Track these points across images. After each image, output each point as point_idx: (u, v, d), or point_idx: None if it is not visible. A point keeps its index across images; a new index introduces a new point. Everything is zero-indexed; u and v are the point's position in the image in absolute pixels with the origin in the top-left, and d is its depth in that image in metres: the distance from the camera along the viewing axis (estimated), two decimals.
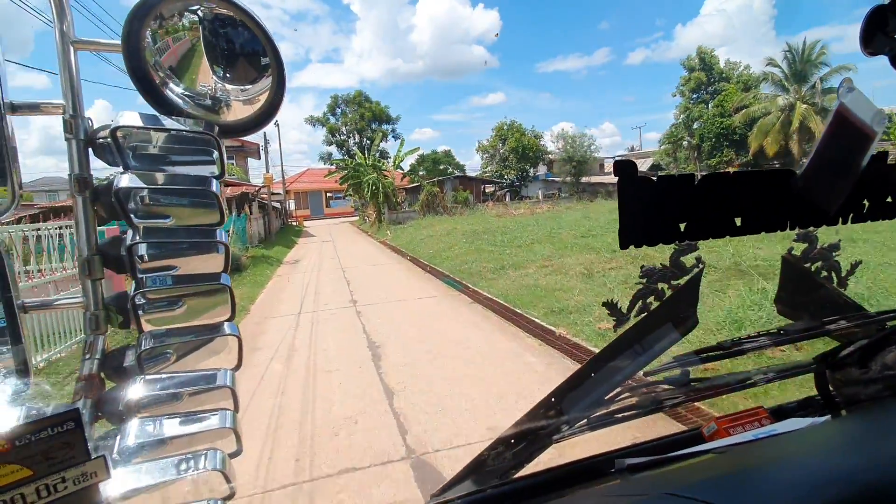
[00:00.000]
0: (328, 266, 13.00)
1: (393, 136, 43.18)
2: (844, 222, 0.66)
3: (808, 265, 0.76)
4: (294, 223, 36.11)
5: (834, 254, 0.76)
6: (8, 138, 0.70)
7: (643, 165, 38.60)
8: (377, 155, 27.96)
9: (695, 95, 35.51)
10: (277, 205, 30.15)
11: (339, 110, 43.56)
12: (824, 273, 0.77)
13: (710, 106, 33.91)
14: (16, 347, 0.67)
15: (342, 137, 42.93)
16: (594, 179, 38.64)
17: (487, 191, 36.58)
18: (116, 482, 0.58)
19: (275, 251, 17.25)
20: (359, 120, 41.92)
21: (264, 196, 26.51)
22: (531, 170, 39.57)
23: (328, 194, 45.20)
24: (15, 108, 0.71)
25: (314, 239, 23.31)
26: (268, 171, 30.19)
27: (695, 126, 34.32)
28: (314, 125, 43.95)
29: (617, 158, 0.62)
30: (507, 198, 33.39)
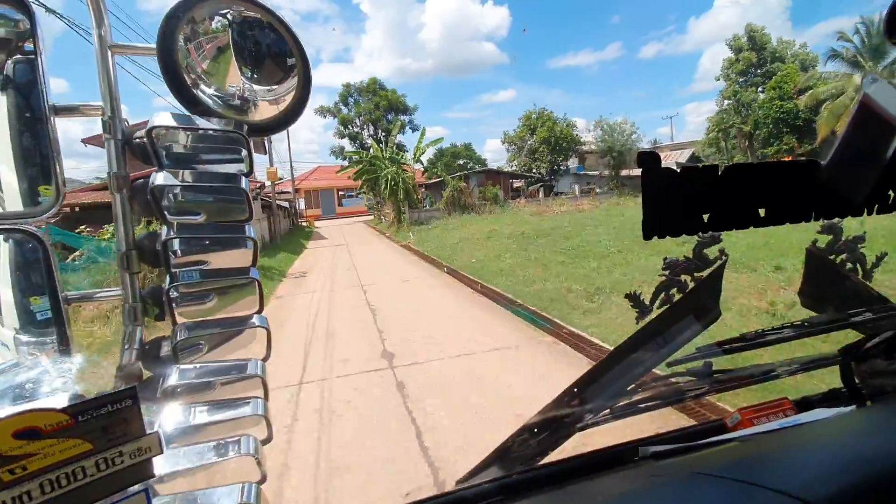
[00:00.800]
0: (343, 282, 9.77)
1: (410, 128, 38.14)
2: (870, 213, 0.65)
3: (832, 257, 0.75)
4: (304, 224, 33.99)
5: (859, 245, 0.76)
6: (52, 140, 0.73)
7: (681, 157, 33.33)
8: (394, 147, 24.49)
9: (742, 79, 30.94)
10: (285, 204, 27.76)
11: (352, 100, 39.10)
12: (849, 265, 0.77)
13: (761, 89, 29.69)
14: (61, 336, 0.70)
15: (355, 129, 38.69)
16: (634, 173, 32.42)
17: (515, 186, 33.09)
18: (157, 465, 0.61)
19: (279, 260, 14.11)
20: (373, 110, 37.51)
21: (268, 194, 23.03)
22: (563, 163, 34.99)
23: (340, 192, 42.87)
24: (57, 111, 0.75)
25: (326, 243, 20.46)
26: (271, 165, 26.24)
27: (744, 113, 29.62)
28: (324, 115, 39.08)
29: (643, 150, 0.62)
30: (541, 194, 29.18)
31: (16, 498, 0.39)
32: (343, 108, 39.32)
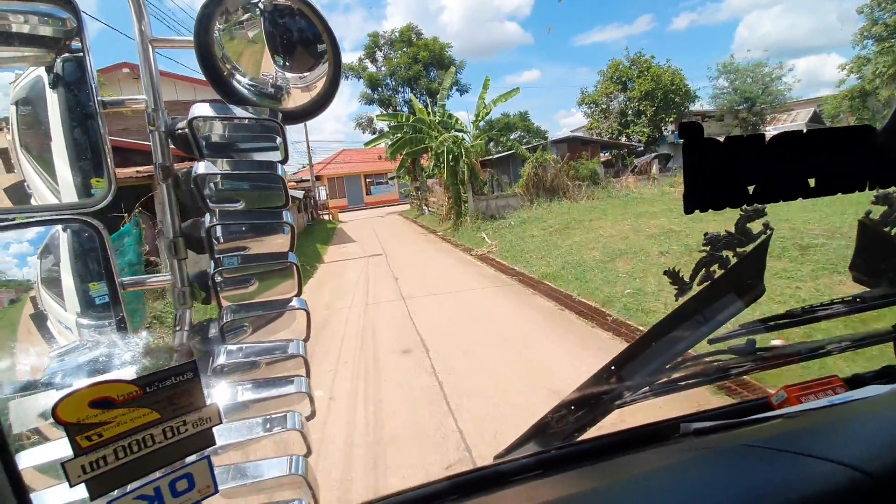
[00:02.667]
0: (415, 402, 3.54)
1: (457, 90, 28.01)
2: None
3: (888, 229, 0.72)
4: (327, 217, 27.44)
5: None
6: (102, 134, 0.77)
7: (803, 117, 24.39)
8: (444, 110, 16.83)
9: None
10: (299, 194, 19.88)
11: (382, 55, 28.80)
12: None
13: None
14: (119, 319, 0.75)
15: (386, 93, 28.39)
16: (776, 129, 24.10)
17: (603, 159, 21.50)
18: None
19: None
20: (410, 64, 27.09)
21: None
22: (665, 126, 24.85)
23: (367, 179, 36.59)
24: (105, 106, 0.78)
25: (352, 249, 13.25)
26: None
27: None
28: (346, 76, 27.79)
29: (685, 121, 0.60)
30: (654, 168, 19.99)
31: (93, 462, 0.42)
32: (370, 65, 28.73)
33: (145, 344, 0.71)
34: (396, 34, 28.42)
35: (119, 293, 0.76)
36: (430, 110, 17.24)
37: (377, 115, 22.22)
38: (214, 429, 0.68)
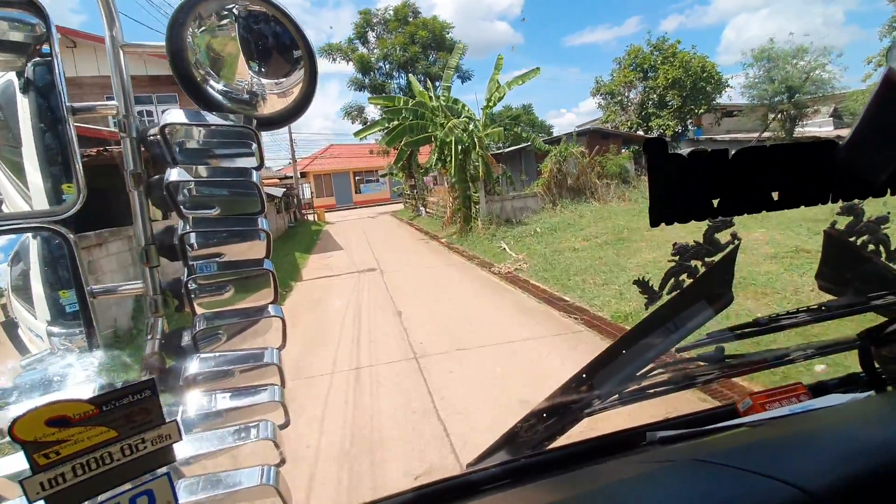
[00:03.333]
0: None
1: (458, 77, 23.44)
2: (893, 193, 0.63)
3: (853, 239, 0.73)
4: (312, 217, 24.74)
5: (882, 227, 0.73)
6: (71, 140, 0.76)
7: (825, 114, 22.53)
8: (449, 95, 14.05)
9: None
10: (277, 193, 18.40)
11: (374, 35, 25.03)
12: (871, 247, 0.74)
13: None
14: (87, 329, 0.74)
15: (380, 78, 24.49)
16: (818, 132, 22.04)
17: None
18: (179, 449, 0.64)
19: None
20: (406, 44, 23.54)
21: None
22: (694, 118, 22.25)
23: (357, 176, 33.81)
24: (75, 112, 0.77)
25: (339, 263, 10.39)
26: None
27: None
28: (332, 58, 24.41)
29: (649, 137, 0.61)
30: None
31: (51, 480, 0.42)
32: (360, 46, 24.98)
33: (114, 354, 0.71)
34: (391, 13, 24.48)
35: (88, 301, 0.75)
36: (432, 94, 13.91)
37: (369, 98, 18.44)
38: (186, 438, 0.67)
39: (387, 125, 14.20)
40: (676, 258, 0.68)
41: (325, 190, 33.20)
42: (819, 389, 0.68)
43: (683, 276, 0.68)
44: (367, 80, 24.31)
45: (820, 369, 2.50)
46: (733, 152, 0.57)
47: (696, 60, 21.95)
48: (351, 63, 24.27)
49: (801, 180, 0.59)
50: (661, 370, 0.69)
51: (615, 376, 0.68)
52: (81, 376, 0.64)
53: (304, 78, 0.84)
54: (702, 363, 0.71)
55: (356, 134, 15.12)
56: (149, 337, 0.77)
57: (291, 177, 27.26)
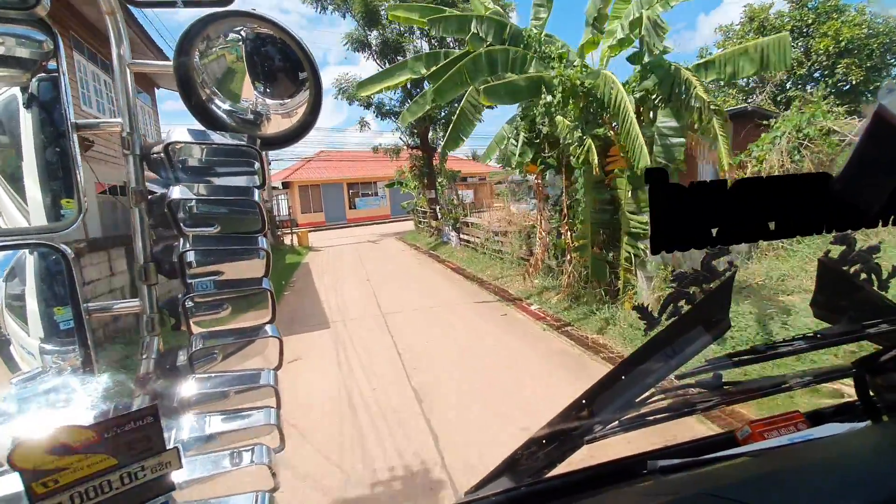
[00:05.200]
0: None
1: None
2: (885, 225, 0.65)
3: (846, 268, 0.74)
4: (291, 240, 16.57)
5: (874, 256, 0.75)
6: (73, 155, 0.76)
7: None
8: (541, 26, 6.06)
9: None
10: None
11: None
12: (864, 275, 0.76)
13: None
14: (82, 347, 0.73)
15: (391, 33, 14.18)
16: None
17: None
18: (174, 475, 0.63)
19: None
20: None
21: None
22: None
23: (351, 189, 27.16)
24: (79, 128, 0.77)
25: (319, 384, 4.00)
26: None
27: None
28: (325, 8, 14.26)
29: (650, 167, 0.62)
30: None
31: None
32: None
33: (110, 373, 0.69)
34: None
35: (84, 319, 0.74)
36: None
37: (390, 12, 7.82)
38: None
39: (426, 69, 6.69)
40: (675, 284, 0.69)
41: (313, 204, 26.57)
42: (816, 418, 0.68)
43: (682, 303, 0.69)
44: (371, 36, 14.55)
45: None
46: (732, 182, 0.58)
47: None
48: (349, 14, 14.38)
49: (796, 211, 0.61)
50: (660, 397, 0.69)
51: (615, 402, 0.68)
52: (76, 397, 0.63)
53: (308, 99, 0.85)
54: (701, 390, 0.71)
55: (359, 89, 7.47)
56: (143, 356, 0.76)
57: (275, 188, 22.55)
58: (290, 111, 0.86)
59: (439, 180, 15.54)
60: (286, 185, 25.34)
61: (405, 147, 15.90)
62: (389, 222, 25.06)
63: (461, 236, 12.35)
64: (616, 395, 0.69)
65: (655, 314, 0.71)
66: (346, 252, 13.91)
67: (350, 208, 27.63)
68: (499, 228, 9.84)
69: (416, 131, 14.95)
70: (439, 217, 14.50)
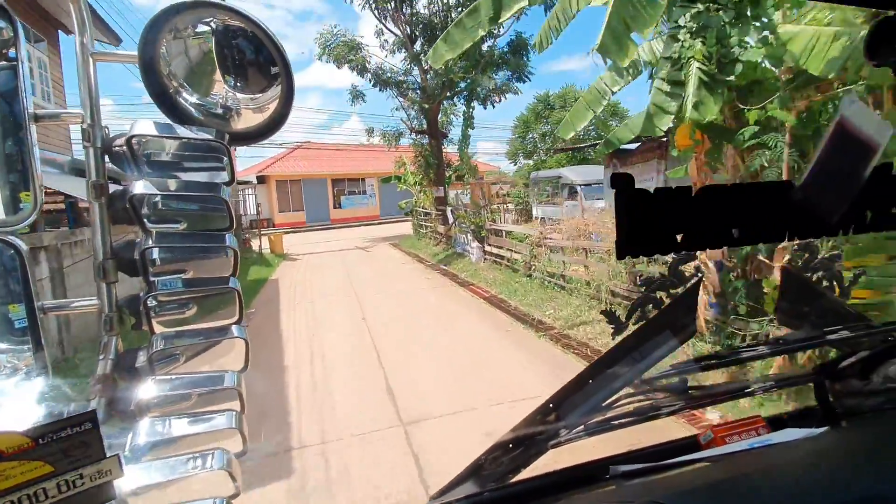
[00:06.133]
0: None
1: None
2: (846, 234, 0.66)
3: (809, 275, 0.76)
4: (261, 245, 13.62)
5: (835, 264, 0.76)
6: (31, 146, 0.73)
7: None
8: None
9: None
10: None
11: None
12: (826, 283, 0.77)
13: None
14: (36, 347, 0.70)
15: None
16: None
17: None
18: (128, 479, 0.61)
19: None
20: None
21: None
22: None
23: (336, 186, 24.20)
24: (38, 118, 0.74)
25: None
26: None
27: None
28: None
29: (616, 172, 0.63)
30: None
31: None
32: None
33: (65, 374, 0.66)
34: None
35: (38, 318, 0.71)
36: None
37: None
38: (137, 468, 0.64)
39: None
40: (643, 289, 0.69)
41: (293, 201, 23.30)
42: (777, 422, 0.70)
43: (649, 307, 0.70)
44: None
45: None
46: (697, 189, 0.58)
47: None
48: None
49: (760, 218, 0.61)
50: (626, 401, 0.70)
51: (581, 407, 0.68)
52: (22, 401, 0.60)
53: (280, 94, 0.83)
54: (666, 394, 0.72)
55: (435, 56, 5.83)
56: (101, 357, 0.73)
57: (246, 182, 18.88)
58: (262, 106, 0.84)
59: (455, 173, 12.87)
60: (261, 179, 21.74)
61: (409, 132, 12.65)
62: (379, 224, 22.37)
63: (486, 248, 9.41)
64: (582, 400, 0.69)
65: (623, 318, 0.71)
66: (329, 263, 10.88)
67: (335, 207, 24.66)
68: (568, 244, 6.53)
69: (427, 106, 11.50)
70: (452, 221, 11.22)
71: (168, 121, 0.78)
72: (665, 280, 0.70)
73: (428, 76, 10.00)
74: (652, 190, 0.56)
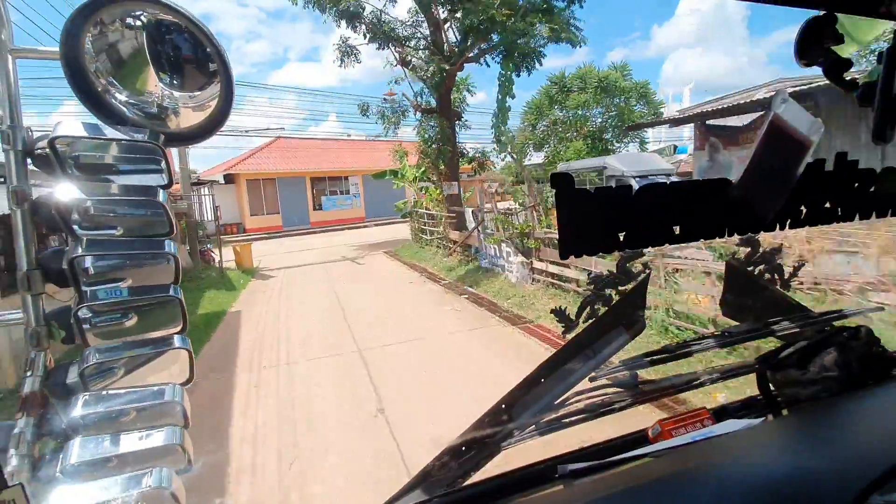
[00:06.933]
0: None
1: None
2: (783, 228, 0.67)
3: (751, 269, 0.78)
4: (224, 257, 10.55)
5: (776, 257, 0.79)
6: None
7: None
8: None
9: None
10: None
11: None
12: (768, 275, 0.80)
13: None
14: None
15: None
16: None
17: None
18: (58, 502, 0.57)
19: None
20: None
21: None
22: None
23: (317, 185, 21.58)
24: None
25: None
26: None
27: None
28: None
29: (556, 172, 0.62)
30: None
31: None
32: None
33: None
34: None
35: None
36: None
37: None
38: (69, 492, 0.60)
39: None
40: (591, 287, 0.69)
41: (267, 203, 20.37)
42: (721, 414, 0.71)
43: (599, 305, 0.70)
44: None
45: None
46: (636, 188, 0.58)
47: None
48: None
49: (699, 215, 0.62)
50: (577, 398, 0.70)
51: (533, 406, 0.68)
52: None
53: (220, 92, 0.79)
54: (617, 389, 0.73)
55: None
56: (28, 374, 0.68)
57: (206, 182, 15.97)
58: (202, 104, 0.80)
59: (506, 162, 10.54)
60: (229, 178, 19.14)
61: (413, 112, 9.72)
62: (365, 227, 19.82)
63: (534, 264, 6.57)
64: (534, 399, 0.69)
65: (573, 317, 0.71)
66: (312, 283, 8.16)
67: (315, 209, 21.66)
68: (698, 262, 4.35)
69: (445, 67, 8.37)
70: (475, 226, 8.45)
71: (97, 121, 0.73)
72: (614, 277, 0.71)
73: (447, 25, 7.14)
74: (592, 189, 0.56)
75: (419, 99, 9.68)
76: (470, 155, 10.14)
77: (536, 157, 20.47)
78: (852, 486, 0.38)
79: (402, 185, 12.56)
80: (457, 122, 9.85)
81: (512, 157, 10.44)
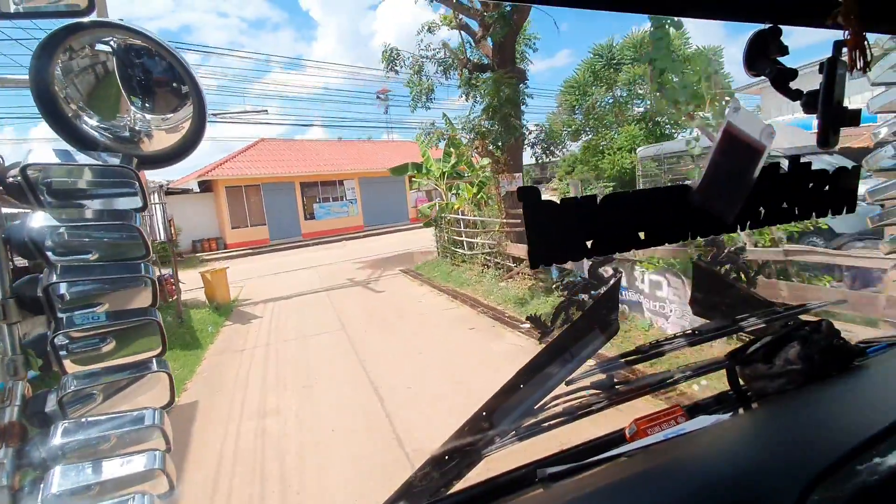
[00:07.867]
0: None
1: None
2: (743, 229, 0.70)
3: (717, 268, 0.81)
4: (192, 288, 7.32)
5: (741, 256, 0.82)
6: None
7: None
8: None
9: None
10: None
11: None
12: (734, 274, 0.83)
13: None
14: None
15: None
16: None
17: None
18: None
19: None
20: None
21: None
22: None
23: (308, 191, 19.06)
24: None
25: None
26: None
27: None
28: None
29: (523, 186, 0.65)
30: None
31: None
32: None
33: None
34: None
35: None
36: None
37: None
38: None
39: None
40: (565, 293, 0.71)
41: (251, 214, 17.49)
42: (694, 410, 0.74)
43: (573, 310, 0.72)
44: None
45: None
46: (601, 197, 0.61)
47: None
48: None
49: (662, 221, 0.65)
50: (555, 402, 0.72)
51: (513, 412, 0.69)
52: None
53: (193, 113, 0.80)
54: (595, 391, 0.75)
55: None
56: (6, 404, 0.68)
57: (177, 191, 14.20)
58: (175, 126, 0.81)
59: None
60: (205, 185, 16.27)
61: (459, 66, 7.01)
62: (365, 237, 17.32)
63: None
64: (513, 405, 0.70)
65: (548, 323, 0.72)
66: (316, 332, 5.44)
67: (307, 218, 18.86)
68: None
69: (507, 9, 5.86)
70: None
71: (69, 147, 0.73)
72: (586, 282, 0.73)
73: None
74: (558, 201, 0.58)
75: (467, 52, 6.69)
76: (533, 136, 7.28)
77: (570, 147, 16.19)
78: (800, 481, 0.40)
79: (421, 184, 9.79)
80: (522, 85, 6.68)
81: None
